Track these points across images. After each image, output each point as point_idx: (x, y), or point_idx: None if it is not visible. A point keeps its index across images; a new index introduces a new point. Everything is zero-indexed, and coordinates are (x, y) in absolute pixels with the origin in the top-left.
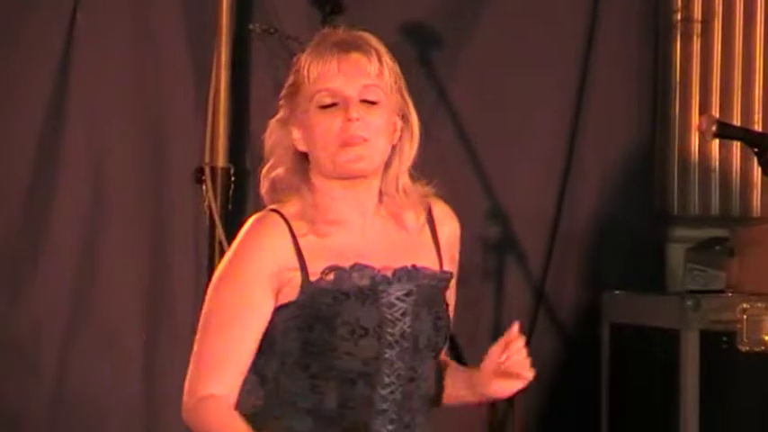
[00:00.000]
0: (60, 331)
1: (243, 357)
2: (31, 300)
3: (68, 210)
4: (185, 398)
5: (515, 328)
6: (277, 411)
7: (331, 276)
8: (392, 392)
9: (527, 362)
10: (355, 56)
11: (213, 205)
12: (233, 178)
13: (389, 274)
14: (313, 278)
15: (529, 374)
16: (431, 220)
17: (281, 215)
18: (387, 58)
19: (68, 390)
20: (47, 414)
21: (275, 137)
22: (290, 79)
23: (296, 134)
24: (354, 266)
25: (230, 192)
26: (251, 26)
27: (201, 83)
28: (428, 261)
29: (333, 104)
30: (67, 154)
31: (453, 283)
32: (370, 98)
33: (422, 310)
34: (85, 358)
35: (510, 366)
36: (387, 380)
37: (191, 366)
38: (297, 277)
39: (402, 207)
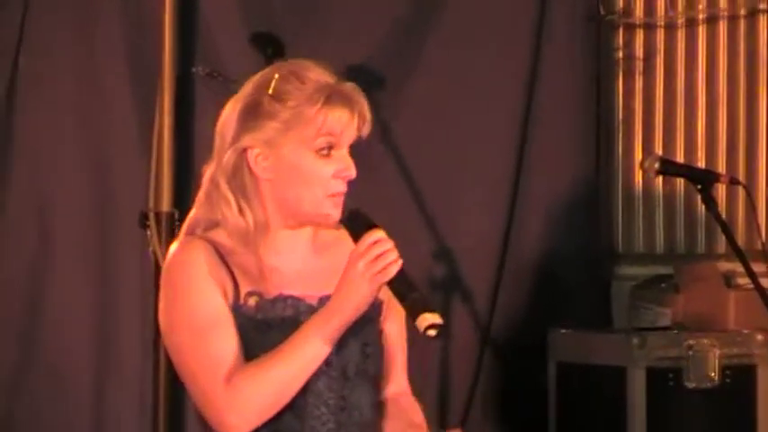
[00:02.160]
0: (7, 373)
1: (240, 353)
2: None
3: (14, 253)
4: (219, 413)
5: None
6: None
7: (252, 302)
8: (324, 424)
9: None
10: (357, 114)
11: (158, 250)
12: (177, 222)
13: (314, 302)
14: (241, 302)
15: None
16: None
17: (203, 239)
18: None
19: (17, 428)
20: None
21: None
22: (283, 112)
23: (262, 163)
24: (278, 297)
25: (174, 236)
26: (194, 69)
27: (146, 126)
28: None
29: (326, 152)
30: (12, 197)
31: (400, 312)
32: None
33: (348, 338)
34: (33, 404)
35: None
36: (316, 411)
37: (198, 396)
38: (231, 296)
39: (334, 237)
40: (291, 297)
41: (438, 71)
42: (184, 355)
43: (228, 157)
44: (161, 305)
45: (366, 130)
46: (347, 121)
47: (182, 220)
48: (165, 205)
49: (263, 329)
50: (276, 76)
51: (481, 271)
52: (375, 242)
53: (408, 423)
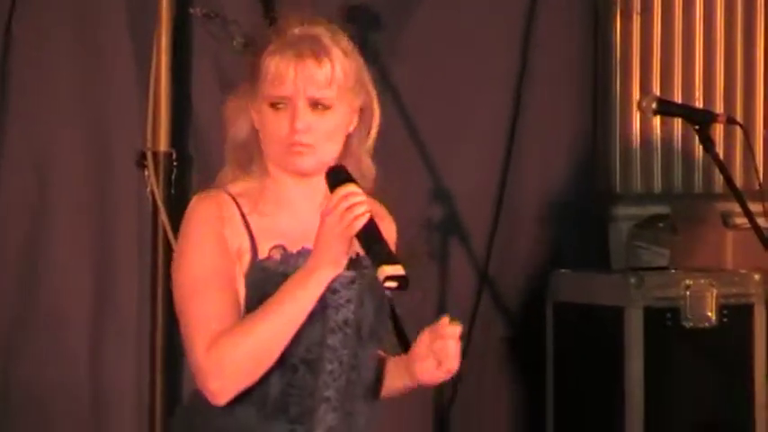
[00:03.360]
0: (5, 326)
1: (230, 317)
2: None
3: (11, 210)
4: (202, 377)
5: (445, 320)
6: None
7: (278, 256)
8: (335, 380)
9: (452, 353)
10: (310, 63)
11: (156, 190)
12: (175, 163)
13: None
14: (261, 256)
15: (452, 365)
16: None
17: (226, 193)
18: (340, 57)
19: (14, 385)
20: None
21: (238, 109)
22: (253, 65)
23: (254, 115)
24: (301, 251)
25: (173, 176)
26: (191, 10)
27: (143, 68)
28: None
29: (282, 105)
30: (10, 139)
31: None
32: (321, 104)
33: (365, 298)
34: (31, 352)
35: (437, 354)
36: (329, 366)
37: (188, 353)
38: (247, 252)
39: None
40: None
41: (436, 14)
42: (183, 309)
43: (249, 118)
44: (174, 257)
45: (328, 79)
46: (289, 78)
47: (180, 160)
48: (163, 145)
49: (284, 281)
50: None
51: (479, 212)
52: (344, 196)
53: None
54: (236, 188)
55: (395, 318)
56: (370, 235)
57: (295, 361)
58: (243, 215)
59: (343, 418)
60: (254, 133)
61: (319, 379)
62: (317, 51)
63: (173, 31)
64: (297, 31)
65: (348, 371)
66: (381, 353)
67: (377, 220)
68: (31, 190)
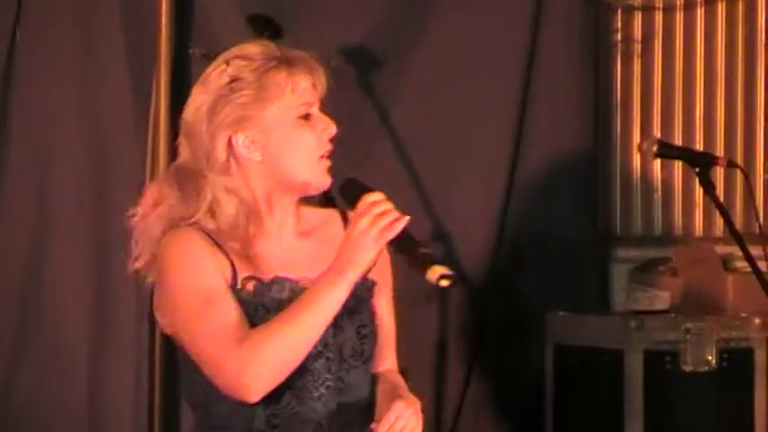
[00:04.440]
0: (6, 345)
1: (245, 321)
2: None
3: (12, 227)
4: (234, 374)
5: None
6: None
7: (250, 287)
8: (324, 404)
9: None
10: (320, 71)
11: None
12: None
13: (309, 285)
14: (238, 286)
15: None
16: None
17: (194, 226)
18: None
19: (14, 403)
20: None
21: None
22: (249, 90)
23: (243, 141)
24: (274, 279)
25: None
26: (190, 50)
27: (142, 105)
28: None
29: (308, 117)
30: (11, 176)
31: (388, 291)
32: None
33: (344, 320)
34: (31, 374)
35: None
36: (316, 393)
37: (210, 360)
38: (230, 279)
39: (319, 220)
40: (288, 279)
41: (436, 53)
42: (193, 327)
43: (215, 155)
44: (161, 290)
45: (325, 86)
46: (313, 82)
47: None
48: None
49: (261, 313)
50: (224, 64)
51: (478, 253)
52: (375, 202)
53: (397, 396)
54: (203, 224)
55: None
56: (408, 239)
57: (279, 390)
58: (218, 245)
59: None
60: (240, 168)
61: (306, 405)
62: (313, 61)
63: (171, 71)
64: (276, 48)
65: (336, 395)
66: (385, 374)
67: None
68: (33, 211)
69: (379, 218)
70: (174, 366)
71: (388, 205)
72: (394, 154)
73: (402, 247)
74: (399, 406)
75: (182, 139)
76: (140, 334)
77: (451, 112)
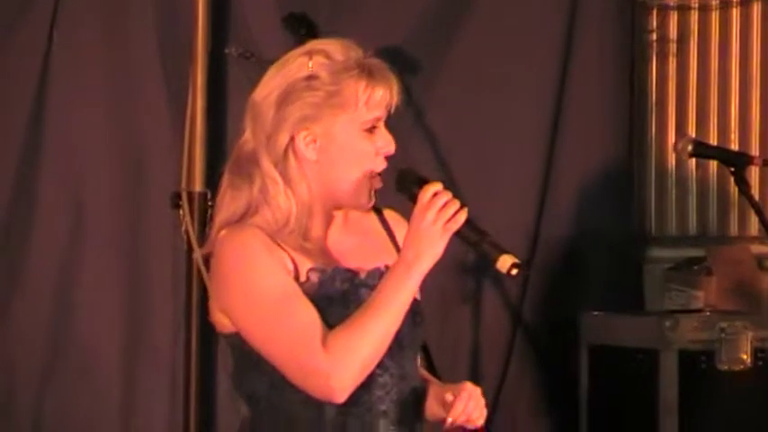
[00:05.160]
0: (38, 359)
1: (320, 321)
2: (8, 327)
3: (46, 237)
4: (324, 378)
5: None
6: (271, 430)
7: (315, 279)
8: (388, 392)
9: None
10: (394, 90)
11: (191, 230)
12: (210, 203)
13: (364, 276)
14: (302, 279)
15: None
16: (384, 224)
17: (250, 224)
18: None
19: (46, 419)
20: None
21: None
22: (324, 91)
23: (305, 138)
24: (335, 270)
25: (208, 216)
26: (227, 50)
27: (178, 108)
28: (394, 260)
29: (373, 131)
30: (45, 180)
31: None
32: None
33: None
34: (64, 386)
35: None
36: (381, 380)
37: (295, 364)
38: (291, 275)
39: (356, 213)
40: (348, 270)
41: (471, 53)
42: (271, 333)
43: (277, 143)
44: (225, 293)
45: (397, 101)
46: (389, 98)
47: (214, 200)
48: (198, 185)
49: (324, 304)
50: (308, 57)
51: (513, 253)
52: (436, 193)
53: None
54: (258, 220)
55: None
56: (473, 228)
57: None
58: (276, 242)
59: (405, 430)
60: (299, 164)
61: (373, 394)
62: (397, 84)
63: (207, 71)
64: (363, 55)
65: (398, 382)
66: (424, 371)
67: (399, 224)
68: (66, 228)
69: (444, 209)
70: (209, 377)
71: (449, 195)
72: (429, 155)
73: (468, 237)
74: (470, 386)
75: (247, 118)
76: (175, 351)
77: (486, 112)
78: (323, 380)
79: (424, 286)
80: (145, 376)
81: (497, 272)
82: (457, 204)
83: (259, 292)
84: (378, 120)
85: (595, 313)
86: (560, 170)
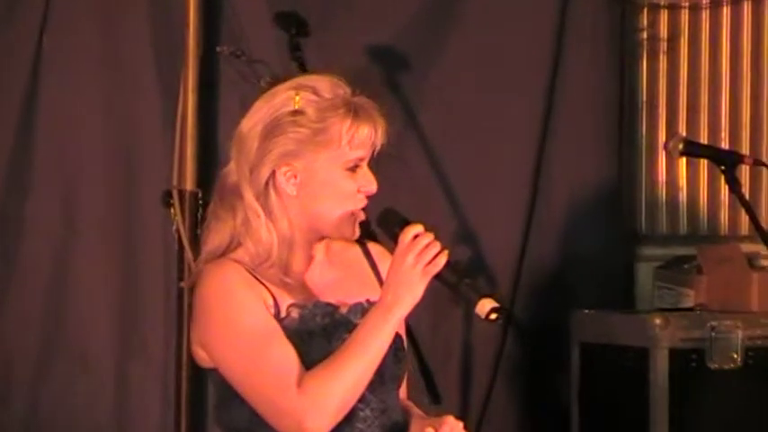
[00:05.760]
0: (31, 360)
1: (299, 362)
2: (1, 326)
3: (38, 235)
4: (298, 418)
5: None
6: None
7: (296, 314)
8: (369, 426)
9: None
10: (380, 128)
11: (182, 229)
12: (201, 201)
13: (346, 310)
14: (282, 314)
15: None
16: (368, 256)
17: (230, 260)
18: None
19: (39, 420)
20: None
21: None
22: (309, 128)
23: (285, 173)
24: (316, 304)
25: (199, 215)
26: (218, 49)
27: (169, 106)
28: (377, 295)
29: (355, 170)
30: (36, 179)
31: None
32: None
33: None
34: (58, 384)
35: None
36: (362, 414)
37: (269, 403)
38: (272, 309)
39: (342, 244)
40: (329, 304)
41: (461, 54)
42: (247, 371)
43: (259, 176)
44: (205, 329)
45: (382, 144)
46: (373, 138)
47: (205, 199)
48: (189, 184)
49: (306, 338)
50: (296, 92)
51: (504, 252)
52: (416, 235)
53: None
54: (233, 256)
55: (424, 368)
56: (453, 271)
57: None
58: (257, 278)
59: None
60: (280, 198)
61: (355, 428)
62: (383, 124)
63: (199, 70)
64: (351, 93)
65: (380, 416)
66: (408, 402)
67: (383, 258)
68: (58, 225)
69: (424, 252)
70: (201, 375)
71: (430, 237)
72: (421, 154)
73: (448, 280)
74: (451, 420)
75: (233, 148)
76: (168, 344)
77: (478, 112)
78: (296, 421)
79: None
80: (137, 373)
81: (477, 317)
82: (437, 247)
83: (237, 330)
84: (361, 159)
85: (586, 312)
86: (551, 169)
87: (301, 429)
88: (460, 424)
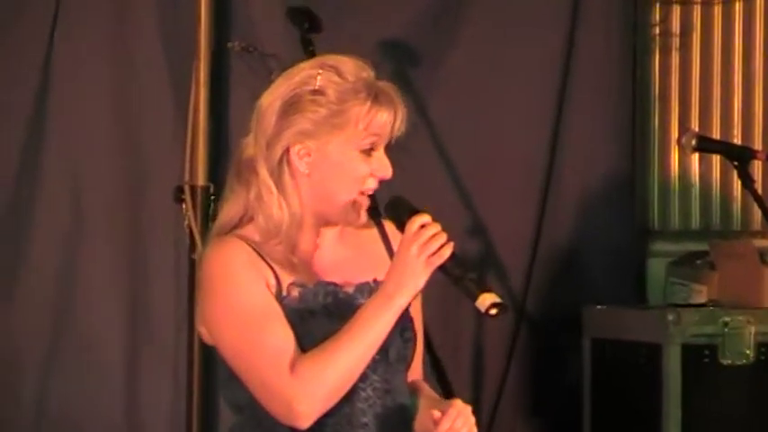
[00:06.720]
0: (41, 350)
1: (295, 344)
2: (10, 319)
3: (48, 230)
4: (287, 401)
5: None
6: None
7: (296, 293)
8: (371, 406)
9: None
10: (400, 115)
11: (193, 224)
12: (212, 197)
13: (351, 290)
14: (284, 293)
15: None
16: (384, 237)
17: (236, 236)
18: None
19: (49, 409)
20: None
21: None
22: (327, 108)
23: (305, 158)
24: (318, 284)
25: (210, 210)
26: (229, 44)
27: (180, 101)
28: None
29: (371, 153)
30: (47, 174)
31: (419, 298)
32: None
33: None
34: (66, 376)
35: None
36: (363, 393)
37: (262, 385)
38: (274, 288)
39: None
40: (332, 284)
41: (473, 48)
42: (241, 351)
43: (274, 152)
44: (205, 306)
45: (401, 131)
46: (391, 123)
47: (217, 194)
48: (201, 179)
49: (306, 318)
50: (318, 71)
51: (516, 248)
52: (423, 225)
53: (437, 401)
54: (245, 232)
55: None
56: (457, 264)
57: None
58: (259, 253)
59: None
60: (293, 176)
61: (355, 407)
62: (403, 110)
63: (210, 65)
64: (373, 76)
65: (382, 396)
66: (422, 383)
67: (398, 238)
68: (69, 221)
69: (429, 243)
70: (212, 369)
71: (437, 228)
72: (432, 148)
73: (451, 272)
74: (459, 404)
75: (252, 120)
76: (178, 337)
77: (489, 105)
78: (285, 404)
79: (427, 281)
80: (147, 367)
81: (477, 311)
82: (443, 238)
83: (235, 309)
84: (375, 143)
85: (599, 307)
86: (563, 165)
87: (291, 412)
88: (469, 408)
